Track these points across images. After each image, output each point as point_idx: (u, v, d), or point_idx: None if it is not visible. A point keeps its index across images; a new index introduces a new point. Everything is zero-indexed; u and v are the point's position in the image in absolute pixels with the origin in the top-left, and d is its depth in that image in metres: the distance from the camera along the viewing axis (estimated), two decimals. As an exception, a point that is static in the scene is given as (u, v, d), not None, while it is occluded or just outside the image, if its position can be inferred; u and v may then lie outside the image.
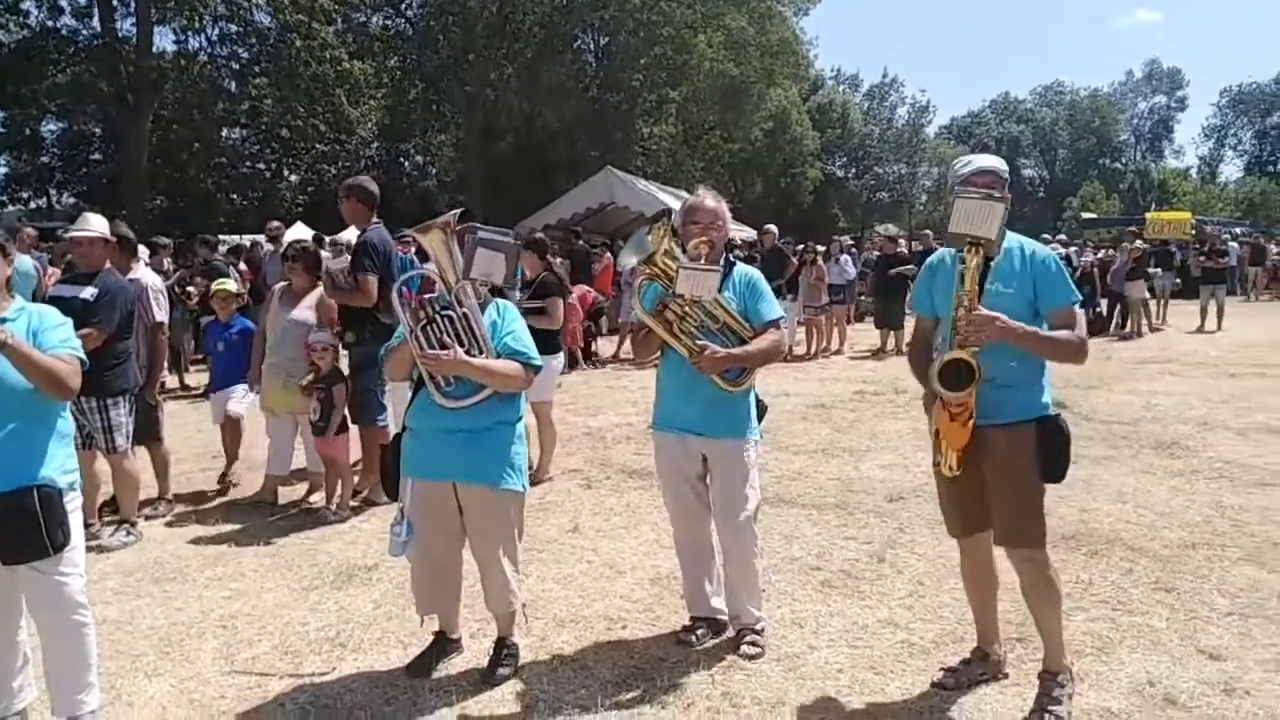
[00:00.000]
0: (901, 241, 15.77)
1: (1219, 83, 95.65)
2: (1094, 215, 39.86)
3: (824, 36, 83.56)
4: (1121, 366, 10.93)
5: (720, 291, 3.29)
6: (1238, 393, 8.93)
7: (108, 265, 5.00)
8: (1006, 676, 3.19)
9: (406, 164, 35.48)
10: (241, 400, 6.16)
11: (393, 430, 5.04)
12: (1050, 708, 2.88)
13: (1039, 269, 2.90)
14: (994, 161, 3.03)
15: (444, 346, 3.04)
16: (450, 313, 3.10)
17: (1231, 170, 68.67)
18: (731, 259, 3.65)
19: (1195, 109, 76.19)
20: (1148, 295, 15.35)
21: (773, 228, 13.55)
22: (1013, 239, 2.96)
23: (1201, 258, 16.57)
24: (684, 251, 3.32)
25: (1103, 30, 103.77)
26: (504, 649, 3.33)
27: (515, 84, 27.46)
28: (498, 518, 3.18)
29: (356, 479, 5.57)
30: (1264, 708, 2.95)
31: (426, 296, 3.15)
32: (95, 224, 4.98)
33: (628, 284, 12.85)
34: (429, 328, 3.08)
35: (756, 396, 3.53)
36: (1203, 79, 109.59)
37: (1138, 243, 16.10)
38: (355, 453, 5.66)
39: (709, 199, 3.53)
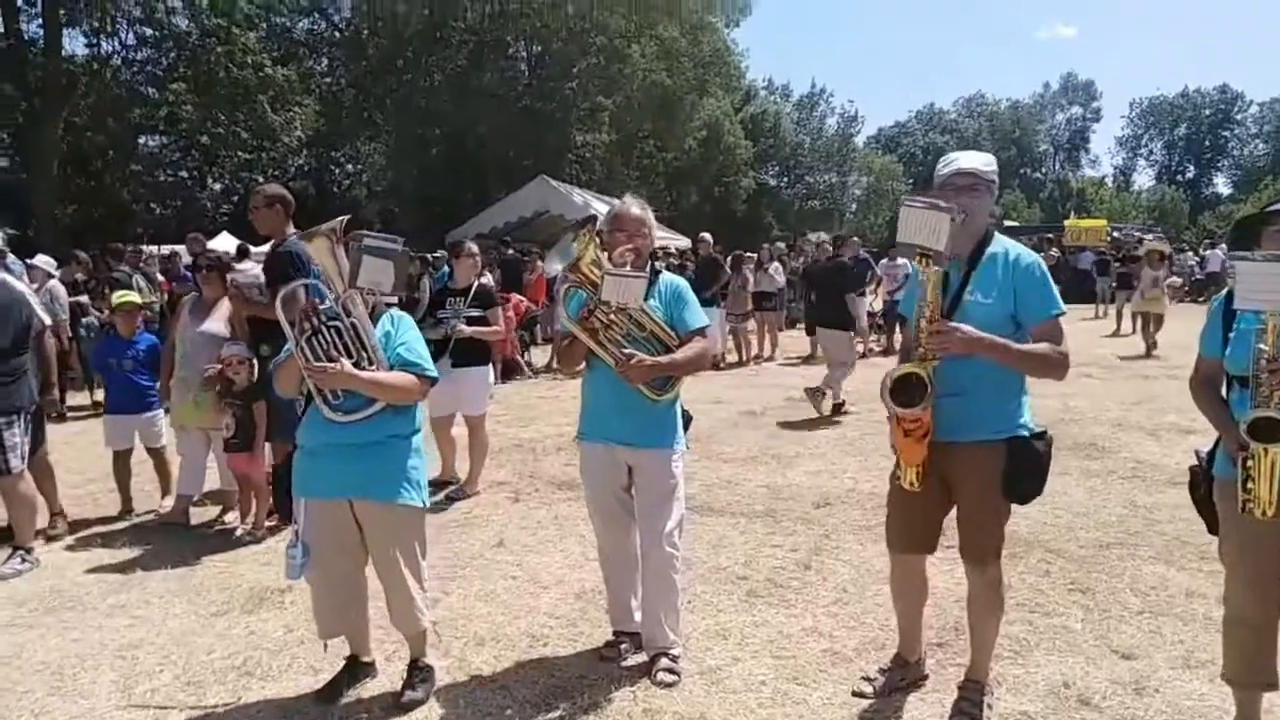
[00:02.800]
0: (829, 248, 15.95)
1: (1128, 95, 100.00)
2: (1016, 223, 41.08)
3: (755, 48, 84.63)
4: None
5: (646, 300, 3.25)
6: (1151, 394, 9.26)
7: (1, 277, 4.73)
8: (926, 679, 3.20)
9: (337, 171, 34.78)
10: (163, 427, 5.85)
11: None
12: (973, 712, 2.90)
13: (1021, 278, 2.77)
14: (974, 161, 2.84)
15: (331, 359, 2.93)
16: (338, 323, 2.98)
17: (1144, 179, 71.74)
18: (657, 267, 3.61)
19: (1109, 120, 79.53)
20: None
21: (707, 236, 13.62)
22: (999, 244, 2.85)
23: (1116, 264, 17.21)
24: (609, 260, 3.26)
25: (1026, 41, 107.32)
26: (416, 671, 3.22)
27: (446, 91, 27.13)
28: (397, 535, 3.07)
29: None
30: (1171, 704, 3.01)
31: (311, 306, 3.03)
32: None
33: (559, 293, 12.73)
34: (315, 339, 2.96)
35: (682, 407, 3.49)
36: (1114, 92, 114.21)
37: (1053, 250, 16.64)
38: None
39: (634, 207, 3.49)
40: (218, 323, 5.46)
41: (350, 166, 34.89)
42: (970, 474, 2.81)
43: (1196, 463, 2.83)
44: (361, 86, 28.40)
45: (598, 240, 3.33)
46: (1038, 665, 3.33)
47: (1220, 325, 2.68)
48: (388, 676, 3.33)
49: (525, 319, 13.13)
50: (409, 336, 3.13)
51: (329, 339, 2.96)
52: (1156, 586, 4.06)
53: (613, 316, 3.22)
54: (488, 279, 8.35)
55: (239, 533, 5.19)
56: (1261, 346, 2.42)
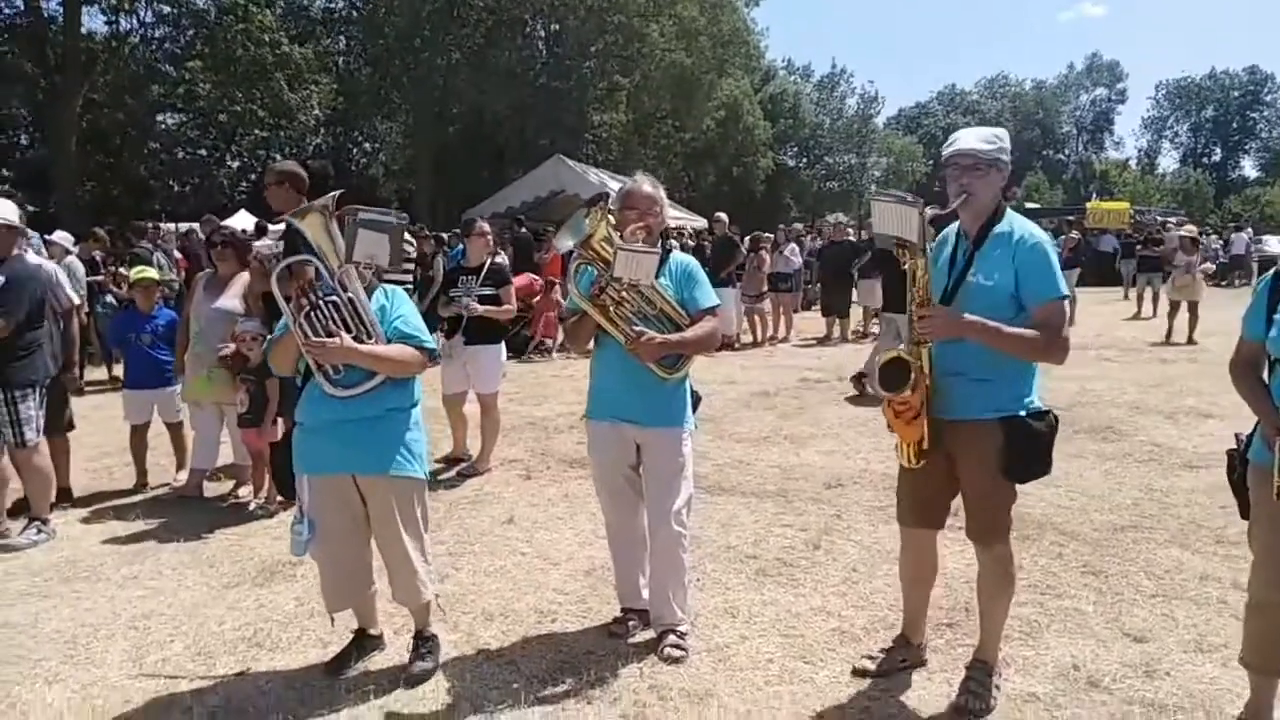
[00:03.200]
0: (850, 230, 15.85)
1: (1157, 77, 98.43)
2: (1038, 205, 40.64)
3: (775, 27, 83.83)
4: (1060, 353, 11.11)
5: (657, 278, 3.22)
6: (1169, 378, 9.14)
7: (15, 252, 4.76)
8: (925, 663, 3.18)
9: (354, 151, 34.81)
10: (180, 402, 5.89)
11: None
12: (977, 692, 2.88)
13: (1025, 259, 2.72)
14: (973, 140, 2.78)
15: (330, 334, 2.92)
16: (334, 299, 2.97)
17: (1168, 162, 70.71)
18: (668, 246, 3.58)
19: (1135, 102, 78.45)
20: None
21: (723, 216, 13.53)
22: (1008, 223, 2.81)
23: (1139, 247, 16.95)
24: (621, 237, 3.24)
25: (1048, 23, 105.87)
26: (422, 642, 3.24)
27: (464, 70, 27.04)
28: (399, 506, 3.07)
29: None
30: (1182, 688, 2.98)
31: (308, 282, 3.02)
32: (1, 210, 4.73)
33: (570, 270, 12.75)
34: (313, 315, 2.95)
35: (691, 387, 3.47)
36: (1142, 73, 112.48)
37: (1073, 233, 16.41)
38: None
39: (645, 184, 3.46)
40: (232, 299, 5.48)
41: (368, 145, 34.91)
42: (970, 453, 2.81)
43: (1235, 446, 2.76)
44: (378, 65, 28.31)
45: (610, 218, 3.30)
46: (1048, 647, 3.30)
47: (1265, 307, 2.60)
48: (396, 650, 3.35)
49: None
50: (405, 310, 3.13)
51: (327, 314, 2.96)
52: (1170, 570, 4.01)
53: (624, 294, 3.20)
54: (502, 258, 8.34)
55: (251, 507, 5.22)
56: None
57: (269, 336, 3.16)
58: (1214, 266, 20.21)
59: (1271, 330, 2.54)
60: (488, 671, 3.20)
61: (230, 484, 5.65)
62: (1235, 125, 69.49)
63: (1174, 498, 5.08)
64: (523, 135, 27.68)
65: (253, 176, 29.17)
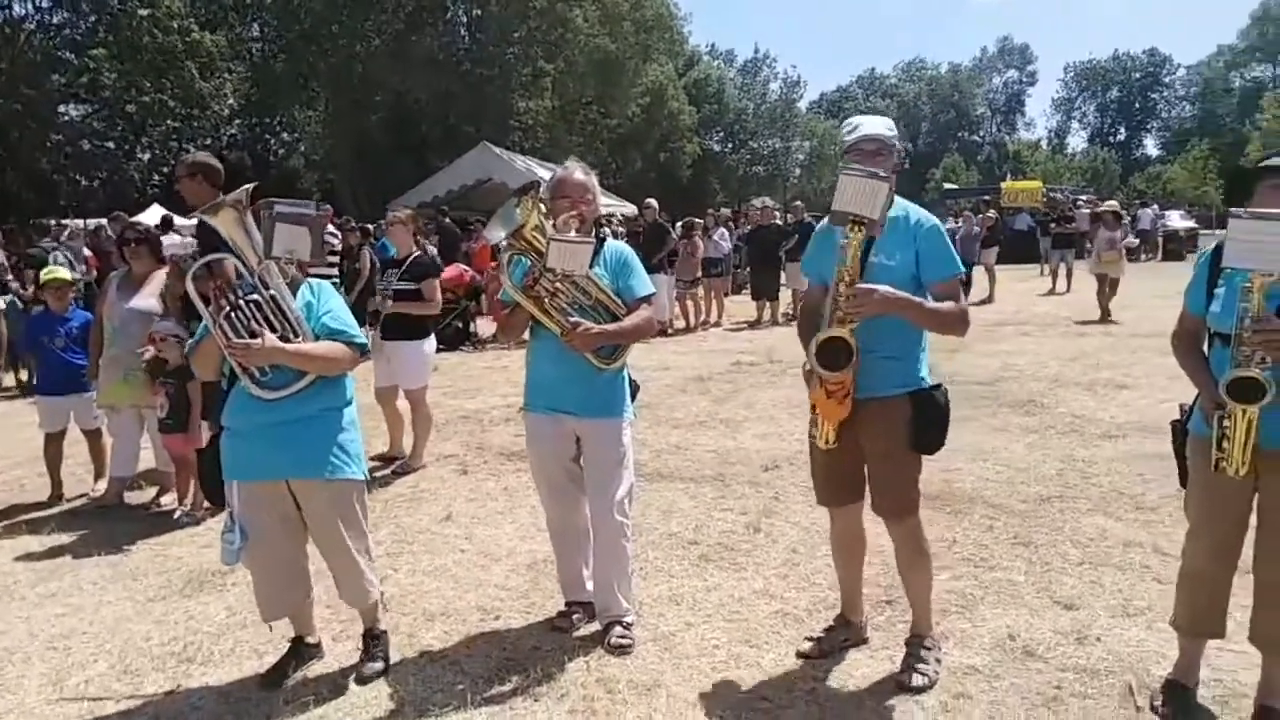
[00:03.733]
0: (776, 214, 16.01)
1: (1065, 59, 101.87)
2: (955, 186, 41.72)
3: (697, 13, 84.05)
4: (980, 329, 11.43)
5: (592, 268, 3.18)
6: (1086, 351, 9.49)
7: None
8: (867, 640, 3.24)
9: (272, 141, 33.74)
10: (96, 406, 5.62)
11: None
12: (919, 667, 2.94)
13: (923, 239, 2.85)
14: (878, 126, 2.89)
15: (253, 334, 2.81)
16: (256, 297, 2.86)
17: (1077, 141, 73.40)
18: (601, 235, 3.54)
19: (1044, 84, 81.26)
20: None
21: (653, 202, 13.53)
22: (899, 206, 2.89)
23: (1053, 225, 17.54)
24: (554, 226, 3.18)
25: (962, 8, 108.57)
26: (373, 640, 3.18)
27: (383, 57, 26.42)
28: (339, 510, 2.99)
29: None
30: (1112, 652, 3.09)
31: (227, 281, 2.90)
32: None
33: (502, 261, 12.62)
34: (234, 315, 2.83)
35: (630, 375, 3.45)
36: (1050, 55, 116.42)
37: (990, 212, 16.87)
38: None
39: (578, 171, 3.40)
40: (148, 298, 5.24)
41: (286, 135, 33.90)
42: (878, 428, 2.86)
43: (1179, 416, 2.85)
44: (294, 52, 27.46)
45: (541, 206, 3.24)
46: (984, 619, 3.39)
47: (1205, 281, 2.68)
48: (334, 657, 3.26)
49: (470, 288, 12.93)
50: (333, 304, 3.03)
51: (249, 314, 2.84)
52: (1095, 538, 4.16)
53: (558, 284, 3.15)
54: (429, 250, 8.18)
55: (176, 515, 5.03)
56: (1245, 305, 2.41)
57: (189, 340, 3.02)
58: (1136, 241, 20.95)
59: (1212, 305, 2.62)
60: (431, 674, 3.14)
61: (153, 492, 5.42)
62: (1138, 106, 72.58)
63: (1095, 467, 5.27)
64: (447, 123, 27.20)
65: (165, 169, 27.98)
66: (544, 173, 19.28)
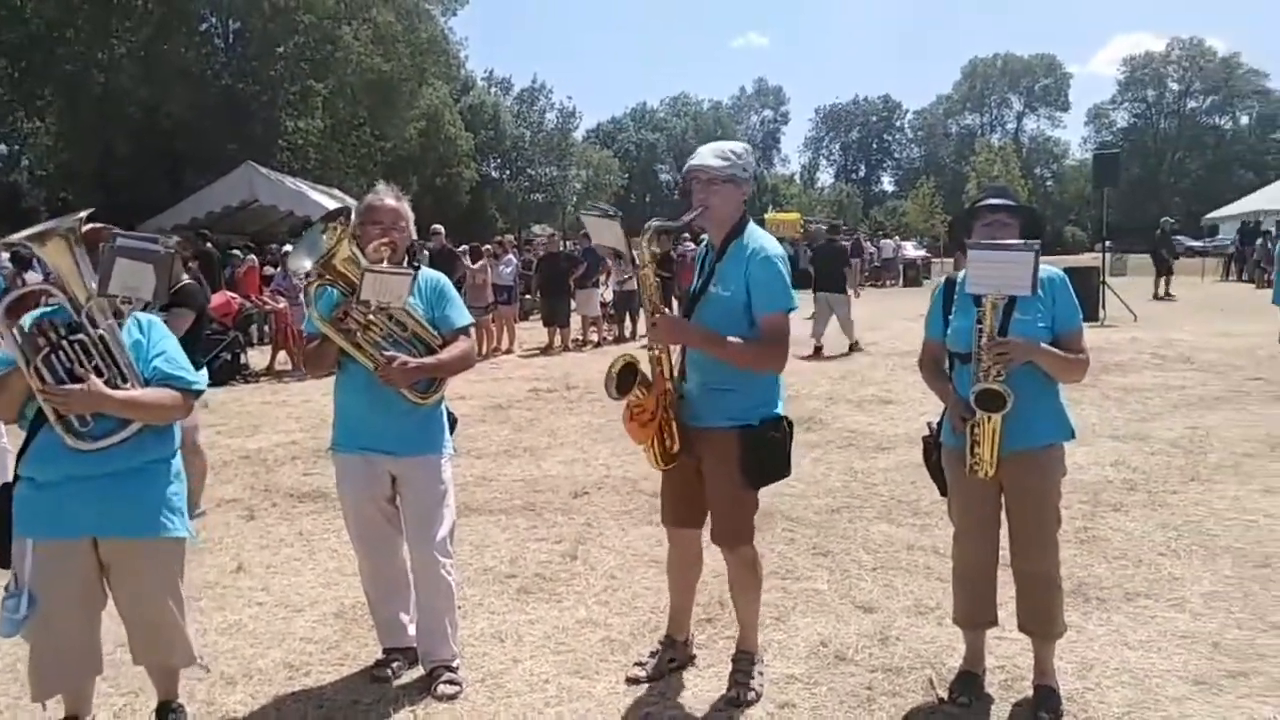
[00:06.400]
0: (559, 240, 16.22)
1: (815, 101, 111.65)
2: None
3: (474, 39, 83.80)
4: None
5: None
6: (851, 370, 10.36)
7: None
8: (694, 659, 3.32)
9: (-11, 153, 29.70)
10: None
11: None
12: (747, 682, 3.05)
13: (755, 271, 2.85)
14: (705, 157, 2.92)
15: (75, 379, 2.49)
16: (81, 336, 2.54)
17: (826, 177, 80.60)
18: (416, 263, 3.42)
19: (797, 123, 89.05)
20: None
21: (439, 228, 13.26)
22: (749, 236, 2.96)
23: (810, 253, 19.00)
24: (364, 254, 3.03)
25: (722, 49, 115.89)
26: (171, 715, 2.85)
27: (130, 66, 24.08)
28: (162, 570, 2.69)
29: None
30: (912, 650, 3.36)
31: (45, 316, 2.55)
32: None
33: (303, 291, 11.93)
34: (53, 357, 2.50)
35: (447, 408, 3.34)
36: (802, 97, 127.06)
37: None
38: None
39: (389, 197, 3.26)
40: None
41: (3, 147, 29.97)
42: (712, 459, 2.96)
43: (929, 433, 3.16)
44: (18, 57, 24.36)
45: (351, 234, 3.07)
46: (796, 628, 3.58)
47: (941, 309, 3.01)
48: (118, 737, 2.89)
49: (239, 317, 12.02)
50: (167, 345, 2.72)
51: (71, 355, 2.50)
52: (883, 544, 4.53)
53: (371, 317, 3.01)
54: (184, 277, 7.46)
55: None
56: (980, 326, 2.74)
57: None
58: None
59: (949, 330, 2.95)
60: (239, 744, 2.87)
61: None
62: (875, 146, 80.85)
63: (874, 477, 5.75)
64: (206, 140, 25.09)
65: None
66: (315, 195, 18.41)
